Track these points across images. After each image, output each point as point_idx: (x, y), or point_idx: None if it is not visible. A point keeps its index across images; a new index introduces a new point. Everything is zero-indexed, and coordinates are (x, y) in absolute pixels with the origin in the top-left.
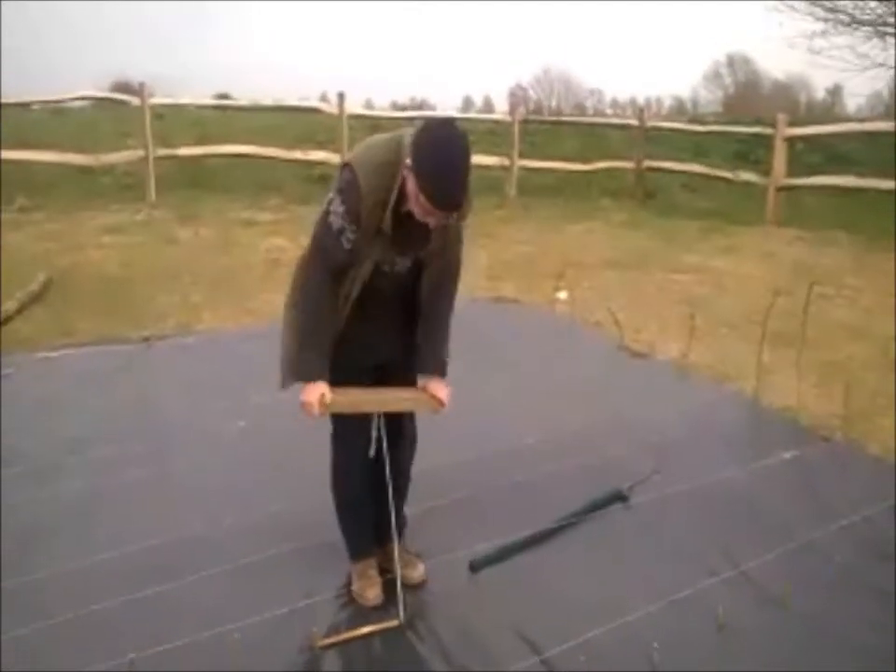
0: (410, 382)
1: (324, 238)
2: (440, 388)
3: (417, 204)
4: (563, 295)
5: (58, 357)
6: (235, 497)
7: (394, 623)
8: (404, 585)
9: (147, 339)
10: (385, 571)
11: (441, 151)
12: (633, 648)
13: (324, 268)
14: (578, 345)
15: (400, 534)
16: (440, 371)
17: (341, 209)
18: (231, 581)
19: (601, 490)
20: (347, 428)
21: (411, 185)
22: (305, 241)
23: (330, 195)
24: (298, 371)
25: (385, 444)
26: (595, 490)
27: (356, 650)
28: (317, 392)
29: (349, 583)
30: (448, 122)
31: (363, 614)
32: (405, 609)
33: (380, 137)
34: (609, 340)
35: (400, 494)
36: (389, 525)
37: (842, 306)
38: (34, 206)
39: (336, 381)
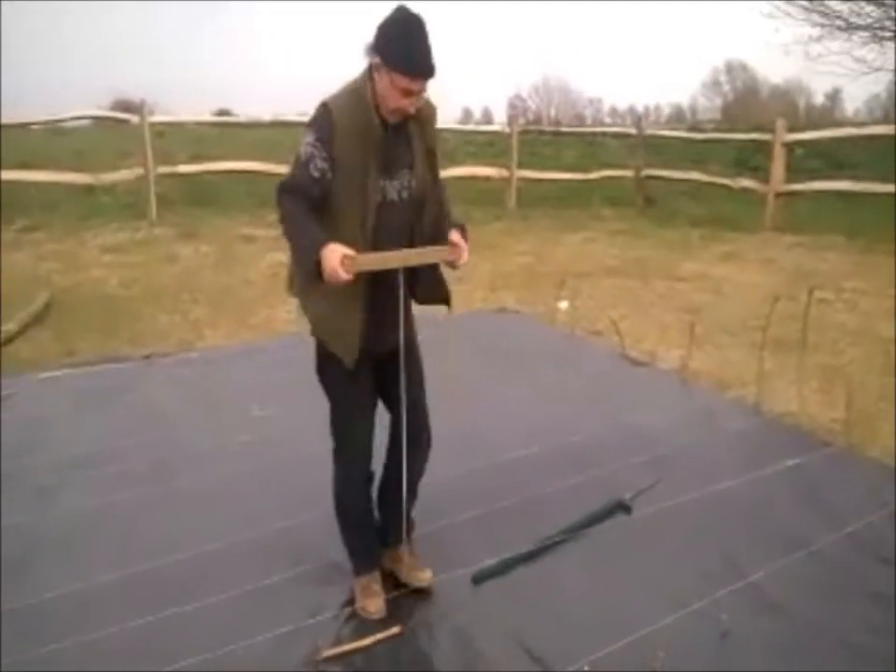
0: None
1: (293, 169)
2: (460, 241)
3: (395, 92)
4: (564, 305)
5: (59, 376)
6: (238, 515)
7: (395, 630)
8: (410, 587)
9: (148, 357)
10: (393, 575)
11: (402, 25)
12: (638, 658)
13: (292, 197)
14: (579, 355)
15: (409, 536)
16: (459, 229)
17: (311, 138)
18: (236, 601)
19: (604, 500)
20: (348, 444)
21: (383, 80)
22: None
23: (302, 136)
24: (305, 256)
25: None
26: (597, 500)
27: (359, 664)
28: (336, 255)
29: (353, 600)
30: (398, 6)
31: (367, 629)
32: (408, 621)
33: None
34: (611, 348)
35: (411, 496)
36: (399, 527)
37: (842, 311)
38: (34, 226)
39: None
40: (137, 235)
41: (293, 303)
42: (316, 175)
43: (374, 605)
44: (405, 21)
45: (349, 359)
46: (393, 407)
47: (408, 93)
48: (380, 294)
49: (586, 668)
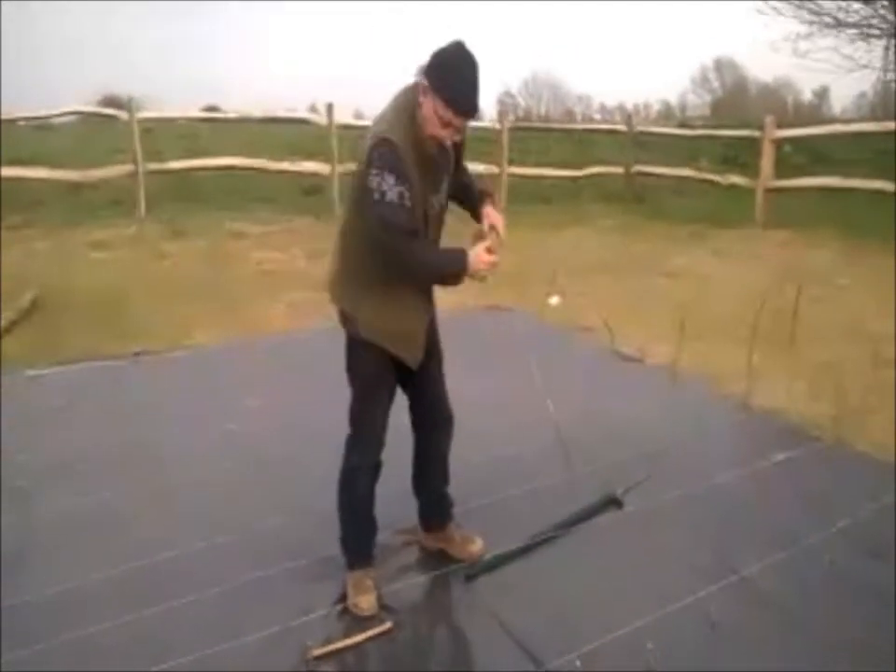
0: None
1: (393, 217)
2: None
3: (436, 119)
4: (554, 301)
5: (48, 374)
6: (230, 511)
7: (386, 626)
8: (464, 561)
9: (137, 354)
10: (443, 552)
11: (457, 61)
12: (629, 653)
13: (409, 238)
14: (570, 351)
15: (450, 513)
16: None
17: (392, 180)
18: (228, 598)
19: (595, 496)
20: (368, 434)
21: (428, 105)
22: (296, 252)
23: (375, 180)
24: (456, 267)
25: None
26: (588, 496)
27: (351, 661)
28: (479, 256)
29: (344, 597)
30: (457, 42)
31: (358, 625)
32: (401, 617)
33: (386, 108)
34: (601, 345)
35: (445, 475)
36: (443, 507)
37: (831, 306)
38: (23, 223)
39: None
40: (126, 232)
41: (333, 311)
42: (410, 205)
43: (367, 601)
44: (460, 59)
45: (415, 361)
46: (421, 393)
47: (448, 125)
48: (430, 298)
49: (578, 663)
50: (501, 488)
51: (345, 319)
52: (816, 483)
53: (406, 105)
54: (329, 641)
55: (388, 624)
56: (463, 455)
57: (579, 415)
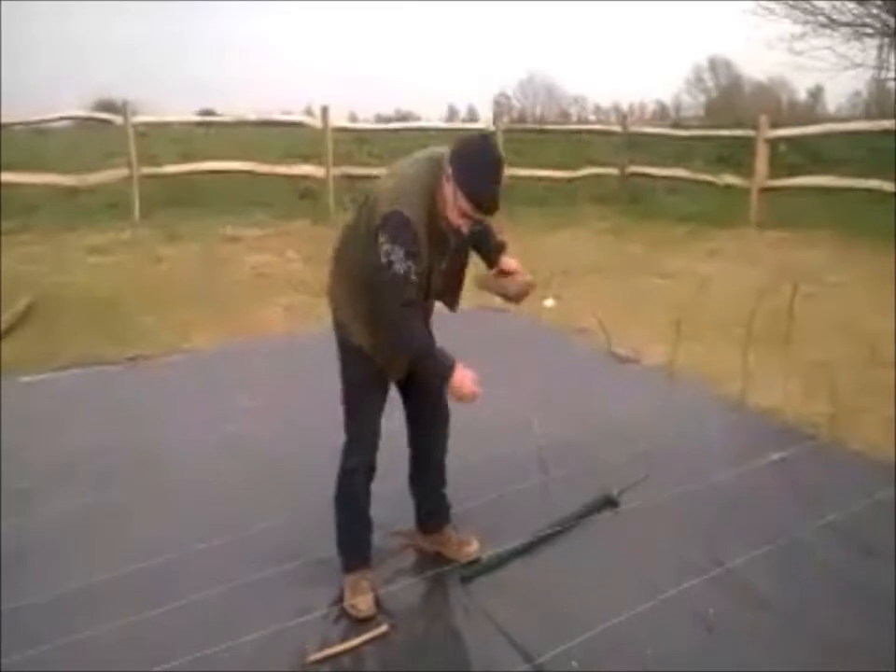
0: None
1: (395, 288)
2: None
3: (455, 209)
4: (550, 303)
5: (43, 379)
6: (226, 514)
7: (383, 629)
8: (460, 562)
9: (132, 359)
10: (439, 554)
11: (485, 161)
12: (624, 652)
13: (405, 309)
14: (566, 353)
15: (447, 515)
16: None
17: (401, 253)
18: (224, 601)
19: (591, 495)
20: (362, 437)
21: (449, 193)
22: (292, 255)
23: (385, 249)
24: (442, 368)
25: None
26: (584, 496)
27: (347, 664)
28: (469, 379)
29: (341, 598)
30: (485, 136)
31: (355, 627)
32: (397, 619)
33: (407, 168)
34: (597, 346)
35: (442, 476)
36: (440, 508)
37: (826, 305)
38: (18, 228)
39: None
40: (121, 236)
41: (328, 315)
42: (415, 278)
43: (364, 602)
44: (486, 156)
45: (396, 377)
46: (418, 394)
47: (465, 216)
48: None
49: (574, 663)
50: (496, 489)
51: (339, 325)
52: (810, 482)
53: (427, 181)
54: (325, 644)
55: (384, 627)
56: (458, 455)
57: (575, 416)
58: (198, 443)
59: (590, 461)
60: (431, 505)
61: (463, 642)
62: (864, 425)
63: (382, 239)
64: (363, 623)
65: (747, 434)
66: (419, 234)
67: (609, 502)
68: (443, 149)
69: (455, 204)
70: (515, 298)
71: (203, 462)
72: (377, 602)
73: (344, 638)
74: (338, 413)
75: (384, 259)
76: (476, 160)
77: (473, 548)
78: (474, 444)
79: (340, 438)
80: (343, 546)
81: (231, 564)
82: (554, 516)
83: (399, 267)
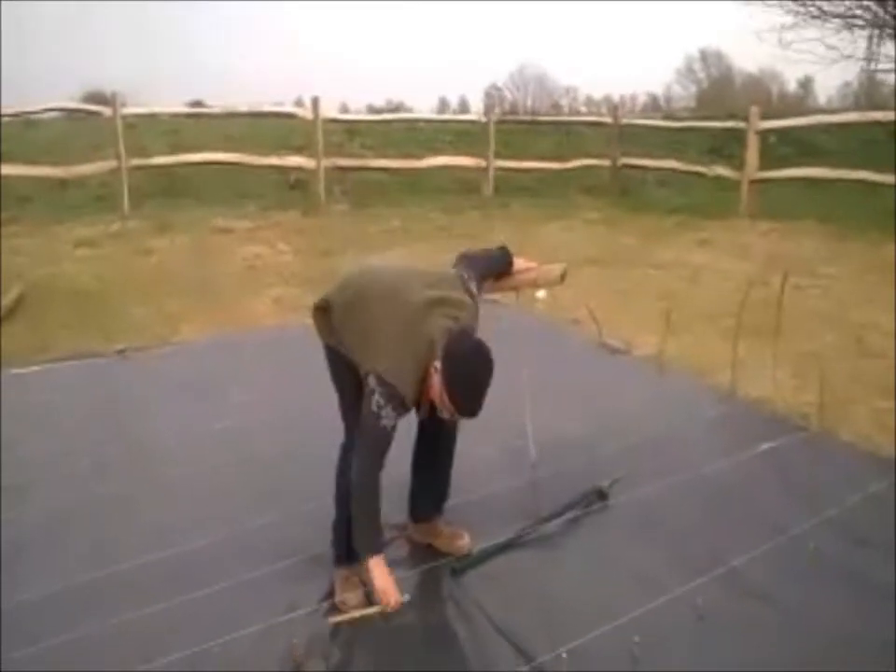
0: None
1: (381, 438)
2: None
3: (440, 401)
4: (541, 294)
5: (32, 372)
6: (218, 510)
7: (405, 598)
8: (451, 555)
9: (122, 351)
10: (431, 546)
11: (472, 366)
12: (617, 646)
13: (380, 458)
14: (557, 344)
15: (441, 506)
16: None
17: (390, 412)
18: (217, 598)
19: (582, 488)
20: (378, 444)
21: (437, 386)
22: (282, 247)
23: (377, 399)
24: (367, 545)
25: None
26: (575, 489)
27: (338, 656)
28: (387, 586)
29: (331, 594)
30: (477, 341)
31: (341, 629)
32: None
33: (405, 343)
34: (588, 337)
35: (449, 464)
36: (436, 501)
37: (816, 296)
38: (6, 220)
39: None
40: (111, 228)
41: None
42: (393, 434)
43: (354, 598)
44: (476, 364)
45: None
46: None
47: (449, 412)
48: None
49: (565, 655)
50: (487, 483)
51: (328, 333)
52: (801, 473)
53: (423, 359)
54: (316, 638)
55: (407, 597)
56: None
57: (566, 408)
58: (188, 437)
59: (581, 454)
60: (429, 495)
61: (455, 636)
62: (855, 416)
63: (378, 393)
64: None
65: (737, 425)
66: (409, 405)
67: (600, 495)
68: (441, 324)
69: (440, 397)
70: (552, 282)
71: (193, 456)
72: (368, 597)
73: (335, 634)
74: (329, 405)
75: (374, 408)
76: (465, 366)
77: (465, 542)
78: (465, 438)
79: (333, 431)
80: (338, 541)
81: (223, 560)
82: (544, 510)
83: (387, 421)
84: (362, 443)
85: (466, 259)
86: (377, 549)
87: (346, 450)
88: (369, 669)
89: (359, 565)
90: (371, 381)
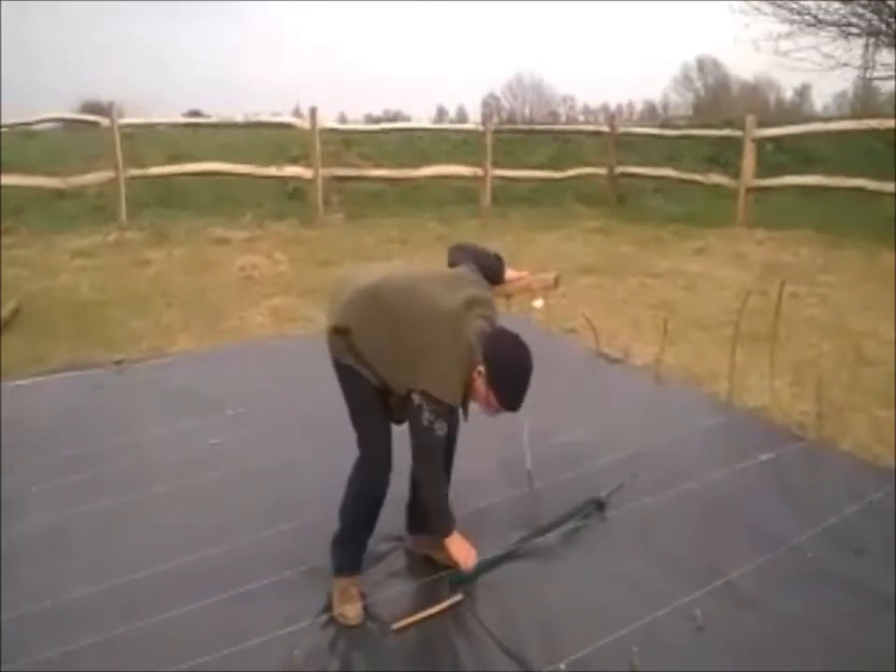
0: None
1: (438, 447)
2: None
3: (484, 399)
4: (539, 303)
5: (29, 384)
6: (215, 523)
7: (458, 598)
8: (450, 567)
9: (119, 363)
10: (429, 558)
11: (516, 364)
12: (615, 657)
13: (437, 460)
14: (555, 353)
15: None
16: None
17: (443, 424)
18: (212, 611)
19: (579, 499)
20: (376, 449)
21: (481, 387)
22: (279, 257)
23: (427, 416)
24: (446, 524)
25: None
26: (573, 499)
27: (336, 667)
28: (463, 545)
29: (330, 606)
30: (517, 341)
31: (346, 634)
32: (385, 626)
33: (443, 345)
34: (586, 347)
35: (447, 475)
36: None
37: (813, 304)
38: (3, 231)
39: None
40: (108, 239)
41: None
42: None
43: (353, 610)
44: (519, 362)
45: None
46: None
47: (493, 409)
48: None
49: (563, 667)
50: (486, 494)
51: (348, 355)
52: (800, 483)
53: (466, 367)
54: (315, 650)
55: (459, 597)
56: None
57: (564, 418)
58: (185, 449)
59: (579, 465)
60: (426, 510)
61: (454, 648)
62: (853, 425)
63: (427, 410)
64: (437, 593)
65: (735, 434)
66: (456, 412)
67: (598, 505)
68: (475, 327)
69: (485, 398)
70: (546, 287)
71: (190, 469)
72: (366, 609)
73: (334, 645)
74: (326, 416)
75: (426, 424)
76: (510, 366)
77: None
78: (462, 450)
79: (331, 443)
80: (339, 547)
81: (219, 574)
82: (542, 521)
83: (440, 432)
84: (423, 455)
85: (461, 252)
86: (452, 526)
87: (357, 466)
88: None
89: (357, 575)
90: (417, 398)
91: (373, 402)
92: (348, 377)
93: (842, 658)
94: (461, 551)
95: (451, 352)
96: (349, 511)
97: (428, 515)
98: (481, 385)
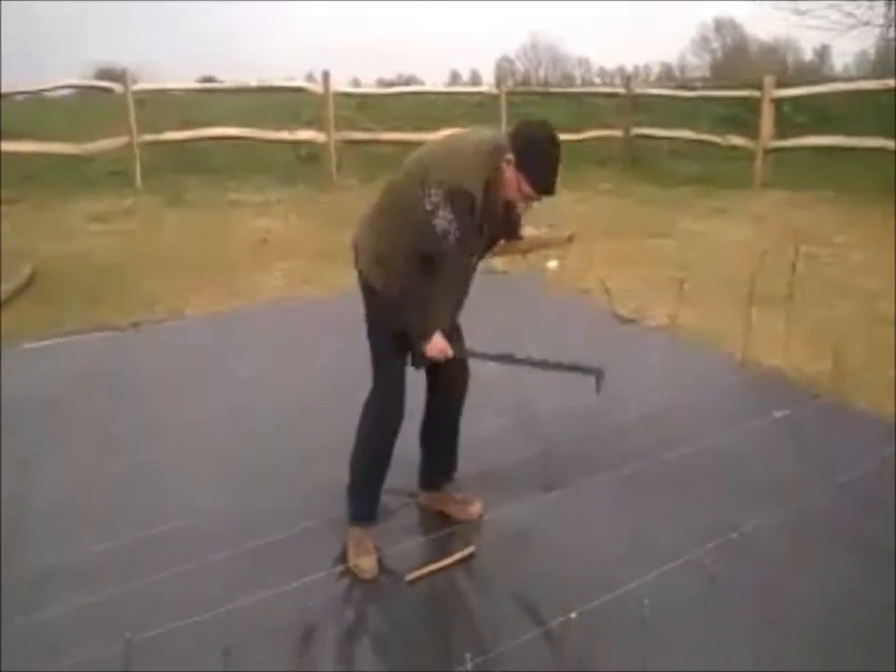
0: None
1: (429, 240)
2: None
3: (515, 189)
4: (553, 265)
5: (47, 346)
6: (227, 483)
7: (470, 550)
8: (465, 522)
9: (136, 325)
10: (441, 513)
11: (546, 145)
12: (626, 608)
13: (423, 269)
14: (568, 314)
15: (451, 474)
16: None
17: (451, 216)
18: (224, 567)
19: (594, 462)
20: (389, 391)
21: (512, 178)
22: (294, 221)
23: (432, 200)
24: (424, 328)
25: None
26: (586, 462)
27: (351, 620)
28: (440, 343)
29: (344, 559)
30: (544, 123)
31: (358, 587)
32: (399, 579)
33: (464, 146)
34: (600, 308)
35: (455, 431)
36: (447, 468)
37: (831, 265)
38: (19, 197)
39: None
40: (123, 204)
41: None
42: (445, 248)
43: (368, 563)
44: (549, 143)
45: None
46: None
47: (528, 198)
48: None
49: (574, 616)
50: (499, 452)
51: (368, 289)
52: (815, 440)
53: (488, 160)
54: (329, 602)
55: (472, 548)
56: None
57: (577, 378)
58: (201, 410)
59: (593, 424)
60: (439, 464)
61: (467, 601)
62: (868, 383)
63: (433, 194)
64: (451, 545)
65: (750, 393)
66: (477, 209)
67: (595, 373)
68: (494, 134)
69: (517, 189)
70: (560, 243)
71: (206, 429)
72: (380, 562)
73: (348, 598)
74: (339, 377)
75: (429, 207)
76: (540, 148)
77: (475, 508)
78: (475, 408)
79: (342, 401)
80: (353, 499)
81: (232, 530)
82: (557, 482)
83: (441, 225)
84: (410, 242)
85: None
86: (432, 331)
87: (368, 403)
88: (382, 632)
89: (372, 527)
90: (431, 196)
91: (394, 340)
92: (368, 299)
93: (852, 610)
94: (437, 349)
95: (472, 151)
96: (360, 455)
97: (440, 471)
98: (511, 174)
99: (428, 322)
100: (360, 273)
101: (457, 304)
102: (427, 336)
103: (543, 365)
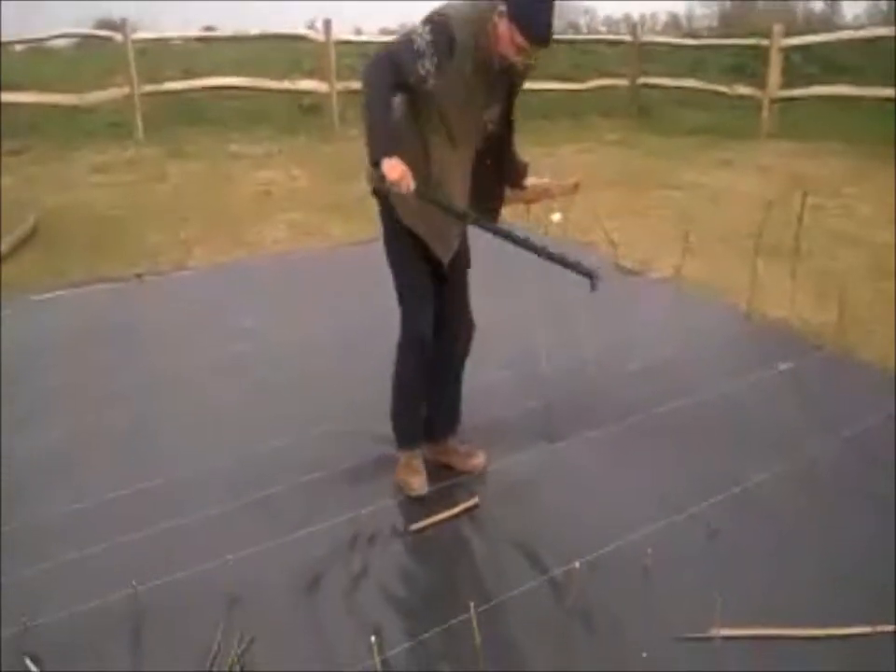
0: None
1: (400, 52)
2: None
3: (511, 45)
4: (557, 216)
5: (50, 298)
6: (233, 434)
7: (474, 501)
8: (469, 474)
9: (139, 276)
10: (445, 465)
11: None
12: (629, 559)
13: (391, 73)
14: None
15: (455, 426)
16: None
17: (428, 37)
18: (230, 518)
19: (599, 413)
20: (414, 313)
21: (503, 27)
22: (296, 172)
23: (415, 28)
24: (376, 149)
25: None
26: (590, 414)
27: (359, 568)
28: (399, 167)
29: (350, 508)
30: None
31: (362, 536)
32: (407, 529)
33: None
34: (604, 259)
35: (459, 383)
36: (451, 419)
37: (838, 216)
38: (20, 148)
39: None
40: (125, 155)
41: (331, 232)
42: (421, 72)
43: (417, 481)
44: None
45: (445, 255)
46: (444, 300)
47: (522, 51)
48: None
49: (577, 565)
50: (502, 404)
51: (385, 206)
52: (820, 393)
53: (481, 12)
54: (334, 552)
55: (476, 500)
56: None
57: (581, 330)
58: (207, 360)
59: (597, 375)
60: (442, 416)
61: (471, 552)
62: (874, 336)
63: (421, 27)
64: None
65: (755, 344)
66: (461, 48)
67: (590, 276)
68: None
69: (509, 40)
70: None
71: (212, 379)
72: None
73: (352, 550)
74: (345, 327)
75: (409, 34)
76: None
77: (479, 460)
78: (478, 360)
79: (352, 352)
80: (396, 421)
81: (240, 480)
82: (559, 433)
83: (419, 42)
84: (380, 55)
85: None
86: (389, 152)
87: (401, 325)
88: (387, 581)
89: (419, 449)
90: (418, 26)
91: (414, 255)
92: (390, 231)
93: (855, 564)
94: (395, 171)
95: (468, 5)
96: (394, 382)
97: (444, 423)
98: (503, 27)
99: (385, 142)
100: (373, 189)
101: (461, 181)
102: (381, 154)
103: (541, 252)
